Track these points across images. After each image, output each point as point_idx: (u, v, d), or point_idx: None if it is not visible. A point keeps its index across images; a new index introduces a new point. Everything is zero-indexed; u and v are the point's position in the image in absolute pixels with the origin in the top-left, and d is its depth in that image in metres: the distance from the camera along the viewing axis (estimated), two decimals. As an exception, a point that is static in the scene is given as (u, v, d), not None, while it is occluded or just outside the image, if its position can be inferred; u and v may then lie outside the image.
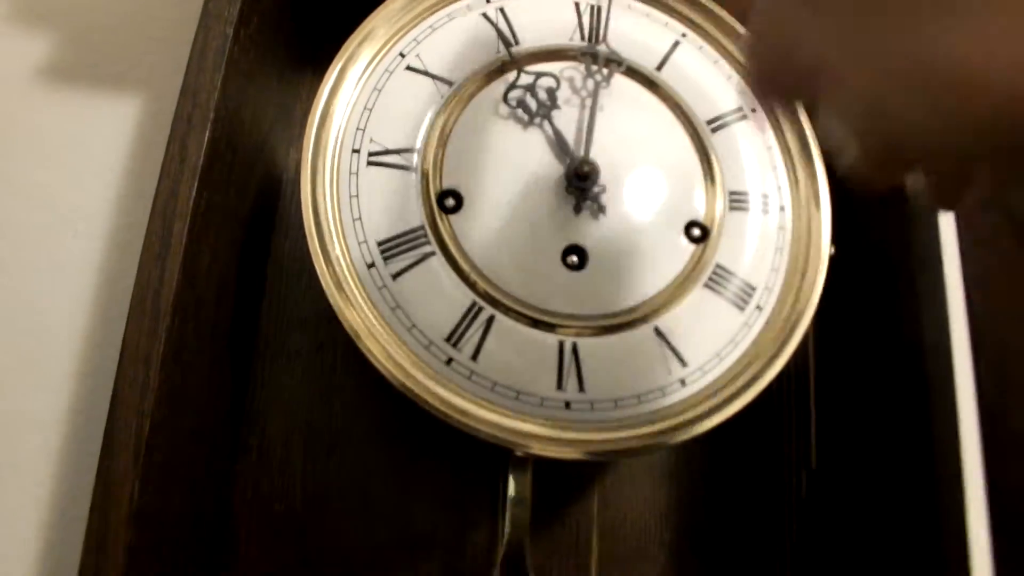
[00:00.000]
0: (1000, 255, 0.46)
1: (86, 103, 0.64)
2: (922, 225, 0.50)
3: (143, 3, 0.69)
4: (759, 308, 0.50)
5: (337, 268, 0.46)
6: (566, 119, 0.52)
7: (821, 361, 0.58)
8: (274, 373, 0.59)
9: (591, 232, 0.50)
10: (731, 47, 0.55)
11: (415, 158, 0.49)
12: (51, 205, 0.64)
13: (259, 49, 0.55)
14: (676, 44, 0.55)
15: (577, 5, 0.55)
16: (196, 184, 0.46)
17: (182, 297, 0.45)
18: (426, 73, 0.51)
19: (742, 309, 0.50)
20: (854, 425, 0.54)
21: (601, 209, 0.50)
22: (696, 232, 0.51)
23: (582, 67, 0.53)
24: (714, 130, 0.54)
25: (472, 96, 0.51)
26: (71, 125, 0.65)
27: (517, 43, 0.53)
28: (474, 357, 0.46)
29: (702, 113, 0.54)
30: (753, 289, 0.51)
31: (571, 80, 0.53)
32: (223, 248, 0.52)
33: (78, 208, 0.63)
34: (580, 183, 0.49)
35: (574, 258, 0.49)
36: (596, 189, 0.50)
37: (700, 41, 0.56)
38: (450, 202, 0.49)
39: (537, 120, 0.51)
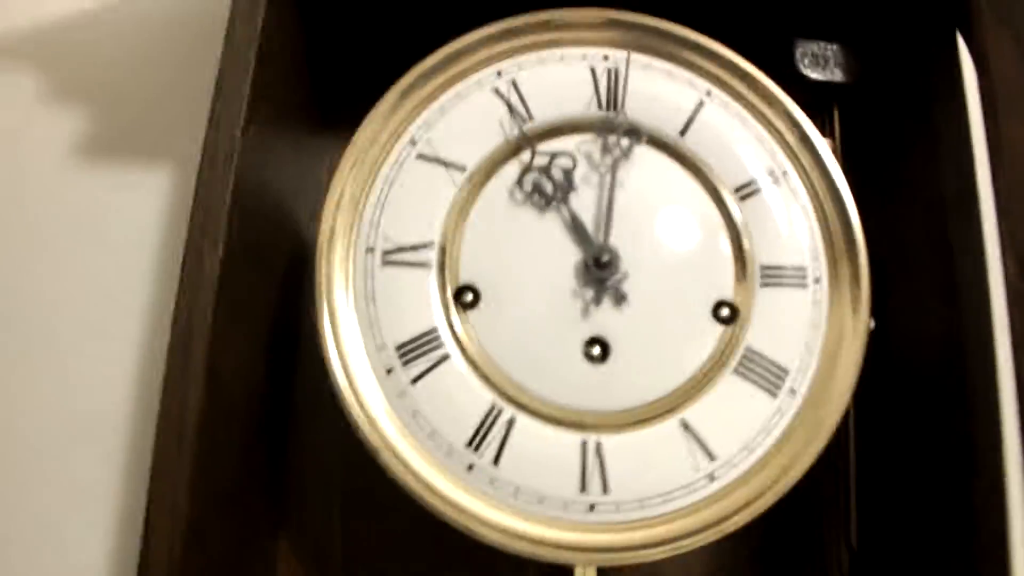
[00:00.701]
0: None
1: (119, 178, 0.65)
2: (972, 305, 0.46)
3: (172, 77, 0.68)
4: (792, 392, 0.48)
5: (356, 380, 0.46)
6: (584, 200, 0.49)
7: (861, 435, 0.55)
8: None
9: (613, 322, 0.48)
10: (760, 104, 0.51)
11: (431, 253, 0.48)
12: (91, 277, 0.65)
13: (273, 135, 0.54)
14: (701, 104, 0.52)
15: (593, 70, 0.52)
16: (214, 299, 0.45)
17: (207, 416, 0.45)
18: (438, 160, 0.49)
19: (774, 395, 0.47)
20: (896, 504, 0.52)
21: (623, 298, 0.47)
22: (725, 312, 0.49)
23: (600, 140, 0.50)
24: (744, 197, 0.50)
25: (487, 181, 0.49)
26: (107, 198, 0.66)
27: (531, 118, 0.50)
28: (495, 461, 0.45)
29: (730, 180, 0.51)
30: (786, 372, 0.48)
31: (589, 155, 0.50)
32: (248, 345, 0.51)
33: (116, 281, 0.64)
34: (599, 273, 0.47)
35: (596, 350, 0.47)
36: (617, 277, 0.48)
37: (726, 98, 0.52)
38: (468, 298, 0.48)
39: (554, 204, 0.49)
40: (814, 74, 0.55)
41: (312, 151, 0.63)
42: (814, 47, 0.55)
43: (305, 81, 0.60)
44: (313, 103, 0.62)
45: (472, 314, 0.48)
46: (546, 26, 0.51)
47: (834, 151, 0.55)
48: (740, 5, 0.55)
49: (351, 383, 0.46)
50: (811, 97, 0.57)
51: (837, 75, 0.55)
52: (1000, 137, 0.45)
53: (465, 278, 0.48)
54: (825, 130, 0.56)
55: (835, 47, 0.55)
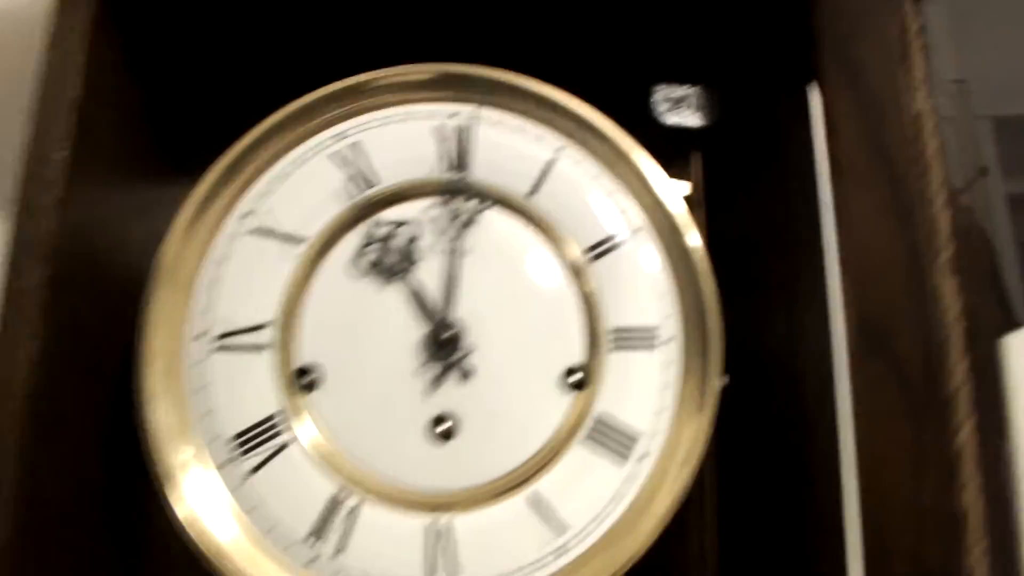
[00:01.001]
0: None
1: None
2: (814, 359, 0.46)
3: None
4: (643, 457, 0.47)
5: (184, 478, 0.44)
6: (429, 271, 0.47)
7: (722, 487, 0.55)
8: None
9: (460, 398, 0.46)
10: (613, 159, 0.50)
11: (268, 335, 0.46)
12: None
13: (104, 192, 0.50)
14: (552, 161, 0.50)
15: (440, 128, 0.49)
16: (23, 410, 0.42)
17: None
18: (274, 234, 0.47)
19: (624, 462, 0.47)
20: (758, 558, 0.53)
21: (469, 373, 0.46)
22: (575, 379, 0.47)
23: (446, 205, 0.48)
24: (595, 258, 0.49)
25: (327, 253, 0.47)
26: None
27: (374, 183, 0.48)
28: (340, 552, 0.44)
29: (582, 240, 0.49)
30: (636, 437, 0.47)
31: (435, 221, 0.48)
32: (72, 448, 0.47)
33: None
34: (442, 351, 0.46)
35: (444, 428, 0.46)
36: (461, 352, 0.46)
37: (579, 154, 0.50)
38: (308, 379, 0.46)
39: (398, 277, 0.47)
40: (671, 119, 0.53)
41: (165, 204, 0.60)
42: (671, 91, 0.54)
43: (145, 133, 0.56)
44: (158, 155, 0.58)
45: (313, 397, 0.46)
46: (389, 84, 0.49)
47: (695, 196, 0.54)
48: (595, 51, 0.53)
49: (176, 483, 0.44)
50: (672, 141, 0.56)
51: (694, 119, 0.53)
52: (844, 206, 0.44)
53: (305, 359, 0.46)
54: (686, 174, 0.55)
55: (693, 90, 0.54)
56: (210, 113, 0.56)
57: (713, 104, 0.54)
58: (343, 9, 0.51)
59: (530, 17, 0.53)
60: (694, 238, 0.49)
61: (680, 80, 0.54)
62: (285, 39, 0.52)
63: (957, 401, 0.40)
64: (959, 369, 0.40)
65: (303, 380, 0.45)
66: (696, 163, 0.55)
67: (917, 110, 0.43)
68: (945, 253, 0.41)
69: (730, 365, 0.49)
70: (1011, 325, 0.61)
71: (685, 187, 0.53)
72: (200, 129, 0.53)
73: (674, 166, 0.56)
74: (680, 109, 0.54)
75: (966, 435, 0.39)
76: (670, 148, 0.56)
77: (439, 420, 0.46)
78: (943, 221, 0.41)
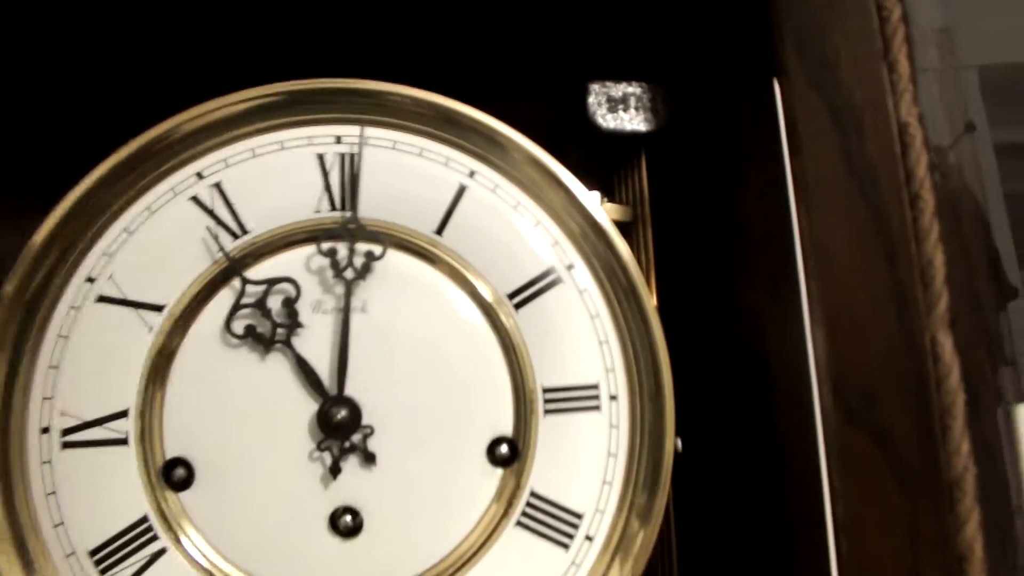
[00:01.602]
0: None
1: None
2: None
3: None
4: (589, 539, 0.40)
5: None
6: (316, 336, 0.38)
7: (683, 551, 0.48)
8: None
9: (363, 486, 0.38)
10: (537, 183, 0.41)
11: (127, 424, 0.38)
12: None
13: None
14: (462, 190, 0.41)
15: (322, 158, 0.40)
16: None
17: None
18: (125, 302, 0.38)
19: (567, 547, 0.39)
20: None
21: (372, 457, 0.38)
22: (503, 451, 0.39)
23: (330, 255, 0.39)
24: (519, 305, 0.40)
25: (192, 322, 0.38)
26: None
27: (243, 232, 0.39)
28: None
29: (502, 284, 0.40)
30: (579, 517, 0.39)
31: (320, 274, 0.39)
32: None
33: None
34: (335, 434, 0.38)
35: (347, 521, 0.38)
36: (361, 433, 0.38)
37: (495, 179, 0.41)
38: (179, 474, 0.38)
39: (277, 346, 0.39)
40: (611, 123, 0.44)
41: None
42: (612, 90, 0.45)
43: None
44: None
45: (186, 496, 0.38)
46: (253, 108, 0.39)
47: (639, 212, 0.45)
48: (524, 49, 0.44)
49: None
50: (615, 148, 0.46)
51: (639, 122, 0.44)
52: (814, 239, 0.35)
53: (173, 450, 0.38)
54: (631, 183, 0.46)
55: (638, 89, 0.45)
56: (44, 149, 0.46)
57: (663, 104, 0.45)
58: (210, 15, 0.42)
59: (446, 15, 0.44)
60: (636, 272, 0.41)
61: (623, 77, 0.45)
62: (134, 54, 0.42)
63: (962, 487, 0.32)
64: (963, 449, 0.32)
65: (173, 476, 0.38)
66: (641, 173, 0.46)
67: (903, 120, 0.34)
68: (942, 302, 0.33)
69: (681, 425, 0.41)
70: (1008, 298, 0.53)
71: (621, 211, 0.45)
72: (31, 170, 0.44)
73: (617, 177, 0.47)
74: (624, 110, 0.44)
75: (972, 530, 0.31)
76: (613, 156, 0.47)
77: (341, 513, 0.38)
78: (938, 260, 0.33)
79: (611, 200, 0.48)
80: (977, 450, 0.32)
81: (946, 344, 0.32)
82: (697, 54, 0.45)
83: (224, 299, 0.38)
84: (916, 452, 0.33)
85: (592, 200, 0.41)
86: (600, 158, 0.48)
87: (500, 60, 0.45)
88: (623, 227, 0.47)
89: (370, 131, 0.40)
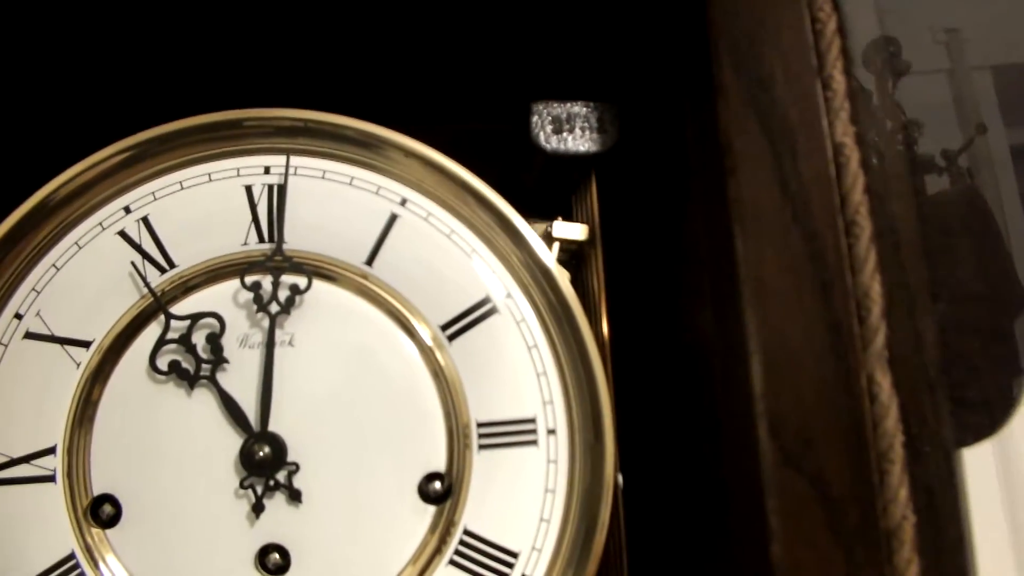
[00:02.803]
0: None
1: None
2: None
3: None
4: (524, 578, 0.38)
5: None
6: (243, 371, 0.37)
7: None
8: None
9: (292, 523, 0.36)
10: (473, 212, 0.38)
11: (54, 461, 0.36)
12: None
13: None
14: (393, 219, 0.38)
15: (249, 189, 0.38)
16: None
17: None
18: (52, 338, 0.37)
19: (501, 587, 0.37)
20: None
21: (298, 494, 0.36)
22: (436, 488, 0.37)
23: (254, 288, 0.38)
24: (452, 337, 0.38)
25: (119, 358, 0.37)
26: None
27: (170, 266, 0.38)
28: None
29: (435, 315, 0.38)
30: (515, 556, 0.37)
31: (247, 308, 0.38)
32: None
33: None
34: (258, 472, 0.36)
35: (275, 559, 0.36)
36: (284, 471, 0.36)
37: (427, 207, 0.39)
38: (107, 511, 0.36)
39: (202, 382, 0.37)
40: (556, 144, 0.42)
41: None
42: (557, 109, 0.42)
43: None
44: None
45: (113, 534, 0.36)
46: (173, 135, 0.38)
47: (592, 228, 0.43)
48: (464, 70, 0.41)
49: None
50: (562, 170, 0.44)
51: (585, 143, 0.42)
52: (751, 268, 0.32)
53: (100, 487, 0.36)
54: (582, 203, 0.44)
55: (584, 108, 0.42)
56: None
57: (611, 124, 0.42)
58: (140, 43, 0.40)
59: (385, 38, 0.42)
60: (575, 304, 0.38)
61: (571, 96, 0.42)
62: (63, 86, 0.41)
63: (900, 537, 0.29)
64: (901, 496, 0.29)
65: (100, 514, 0.36)
66: (592, 194, 0.43)
67: (838, 140, 0.31)
68: (879, 337, 0.30)
69: (630, 459, 0.38)
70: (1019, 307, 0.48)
71: (576, 229, 0.42)
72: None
73: (575, 198, 0.45)
74: (570, 131, 0.42)
75: (911, 582, 0.28)
76: (565, 177, 0.44)
77: (269, 551, 0.36)
78: (875, 292, 0.30)
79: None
80: (917, 498, 0.28)
81: (883, 383, 0.29)
82: (644, 72, 0.42)
83: (151, 335, 0.37)
84: (852, 499, 0.29)
85: (526, 226, 0.38)
86: (554, 180, 0.45)
87: (443, 83, 0.43)
88: (580, 247, 0.45)
89: (299, 160, 0.38)
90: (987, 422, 0.32)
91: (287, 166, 0.37)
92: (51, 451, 0.36)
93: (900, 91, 0.79)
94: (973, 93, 0.79)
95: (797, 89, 0.31)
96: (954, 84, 0.85)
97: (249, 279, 0.37)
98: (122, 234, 0.38)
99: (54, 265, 0.37)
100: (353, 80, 0.42)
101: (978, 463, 0.30)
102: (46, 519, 0.36)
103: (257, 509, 0.36)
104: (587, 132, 0.42)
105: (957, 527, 0.27)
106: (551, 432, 0.38)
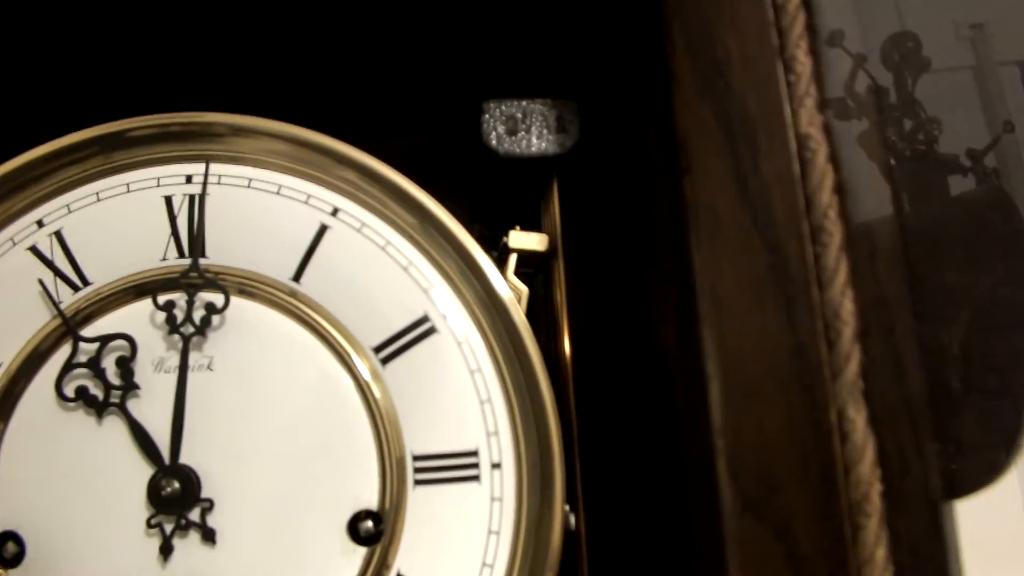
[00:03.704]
0: None
1: None
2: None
3: None
4: (465, 632, 0.33)
5: None
6: (157, 398, 0.33)
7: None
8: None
9: (204, 566, 0.32)
10: (408, 221, 0.34)
11: (-46, 495, 0.34)
12: None
13: None
14: (323, 230, 0.34)
15: (169, 200, 0.35)
16: None
17: None
18: (-44, 362, 0.34)
19: (437, 642, 0.33)
20: None
21: (211, 534, 0.33)
22: (367, 527, 0.33)
23: (183, 301, 0.34)
24: (387, 359, 0.34)
25: (26, 384, 0.33)
26: None
27: (84, 283, 0.34)
28: None
29: (367, 336, 0.34)
30: (454, 605, 0.33)
31: (163, 329, 0.34)
32: None
33: None
34: (167, 508, 0.32)
35: (190, 605, 0.33)
36: (196, 508, 0.33)
37: (362, 216, 0.35)
38: (10, 550, 0.33)
39: (112, 409, 0.34)
40: (509, 145, 0.37)
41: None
42: (511, 108, 0.38)
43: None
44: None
45: (16, 573, 0.33)
46: (94, 147, 0.35)
47: (553, 238, 0.38)
48: (410, 67, 0.37)
49: None
50: (521, 172, 0.39)
51: (543, 144, 0.37)
52: (709, 282, 0.27)
53: (3, 524, 0.32)
54: (546, 206, 0.39)
55: (541, 106, 0.37)
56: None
57: (571, 122, 0.37)
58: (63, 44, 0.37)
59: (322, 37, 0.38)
60: (520, 319, 0.34)
61: (526, 94, 0.38)
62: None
63: (876, 605, 0.24)
64: (878, 556, 0.24)
65: (3, 552, 0.32)
66: (553, 199, 0.39)
67: (803, 131, 0.26)
68: (852, 364, 0.24)
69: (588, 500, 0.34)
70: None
71: (533, 239, 0.38)
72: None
73: (533, 210, 0.40)
74: (526, 131, 0.37)
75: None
76: (524, 182, 0.40)
77: (183, 597, 0.33)
78: (846, 310, 0.25)
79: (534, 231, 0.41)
80: (899, 558, 0.23)
81: (857, 419, 0.23)
82: (603, 65, 0.37)
83: (61, 358, 0.34)
84: (821, 557, 0.24)
85: (470, 241, 0.34)
86: (514, 187, 0.41)
87: (391, 89, 0.39)
88: (542, 258, 0.40)
89: (223, 168, 0.35)
90: (985, 468, 0.26)
91: (206, 174, 0.34)
92: (-47, 485, 0.34)
93: (922, 89, 0.73)
94: (1000, 90, 0.73)
95: (755, 73, 0.26)
96: (979, 81, 0.79)
97: (162, 298, 0.33)
98: (33, 249, 0.34)
99: (-39, 282, 0.35)
100: (293, 89, 0.39)
101: (974, 516, 0.24)
102: (-53, 559, 0.33)
103: (165, 551, 0.32)
104: (545, 132, 0.38)
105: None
106: (496, 466, 0.33)
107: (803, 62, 0.25)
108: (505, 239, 0.38)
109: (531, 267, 0.40)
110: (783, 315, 0.26)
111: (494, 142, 0.38)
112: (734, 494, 0.27)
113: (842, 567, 0.24)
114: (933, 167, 0.65)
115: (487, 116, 0.38)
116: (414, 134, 0.41)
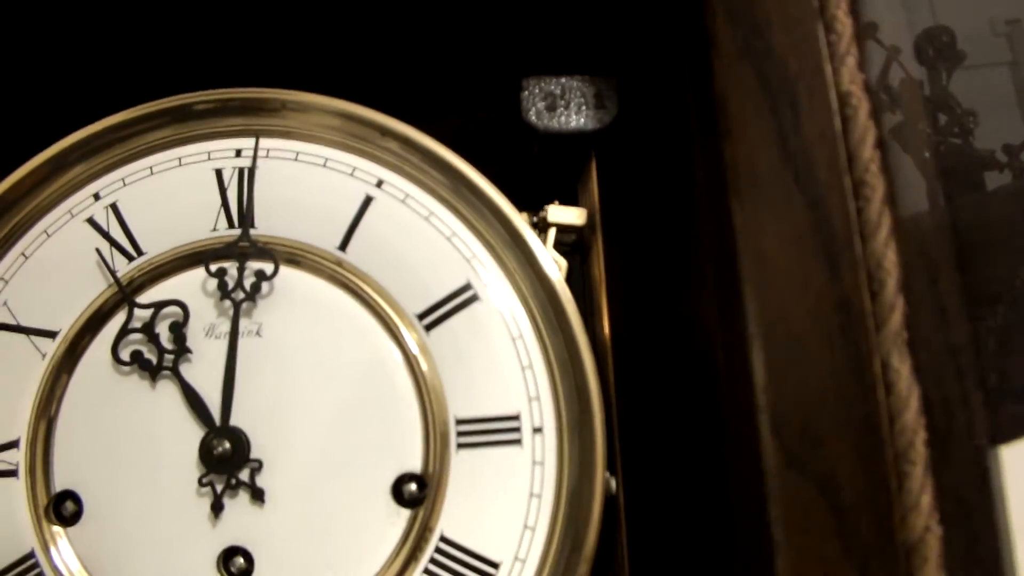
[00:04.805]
0: None
1: None
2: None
3: None
4: (506, 593, 0.33)
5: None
6: (207, 362, 0.34)
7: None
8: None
9: (254, 524, 0.33)
10: (452, 193, 0.35)
11: (15, 455, 0.34)
12: None
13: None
14: (368, 201, 0.35)
15: (219, 173, 0.36)
16: None
17: None
18: (18, 328, 0.35)
19: (479, 602, 0.33)
20: None
21: (260, 493, 0.33)
22: (411, 489, 0.34)
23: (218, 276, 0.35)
24: (430, 326, 0.35)
25: (86, 348, 0.35)
26: None
27: (139, 253, 0.36)
28: None
29: (411, 304, 0.35)
30: (496, 566, 0.33)
31: (214, 296, 0.35)
32: None
33: None
34: (217, 469, 0.33)
35: (239, 562, 0.33)
36: (246, 469, 0.33)
37: (405, 188, 0.36)
38: (68, 508, 0.34)
39: (165, 373, 0.35)
40: (548, 121, 0.38)
41: None
42: (550, 85, 0.38)
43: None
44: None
45: (74, 532, 0.34)
46: (158, 119, 0.36)
47: (592, 213, 0.39)
48: (450, 45, 0.38)
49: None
50: (559, 148, 0.40)
51: (582, 120, 0.38)
52: (749, 240, 0.28)
53: (62, 483, 0.34)
54: (584, 184, 0.40)
55: (579, 82, 0.38)
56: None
57: (610, 98, 0.38)
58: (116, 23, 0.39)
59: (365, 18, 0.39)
60: (563, 290, 0.34)
61: (564, 71, 0.39)
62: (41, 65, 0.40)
63: (922, 553, 0.24)
64: (923, 503, 0.24)
65: (62, 510, 0.34)
66: (591, 175, 0.39)
67: (844, 89, 0.26)
68: (895, 314, 0.25)
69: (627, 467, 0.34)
70: None
71: (572, 214, 0.38)
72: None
73: (570, 188, 0.41)
74: (565, 107, 0.38)
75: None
76: (560, 162, 0.41)
77: (231, 554, 0.34)
78: (890, 261, 0.25)
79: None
80: (943, 505, 0.23)
81: (902, 369, 0.24)
82: (641, 40, 0.38)
83: (117, 324, 0.35)
84: (865, 507, 0.24)
85: (510, 206, 0.34)
86: (554, 164, 0.42)
87: (433, 72, 0.39)
88: (581, 235, 0.41)
89: (272, 143, 0.36)
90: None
91: (256, 148, 0.35)
92: (15, 444, 0.34)
93: (957, 85, 0.72)
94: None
95: (796, 34, 0.27)
96: (1016, 77, 0.79)
97: (214, 266, 0.34)
98: (90, 221, 0.36)
99: (23, 254, 0.36)
100: (336, 64, 0.40)
101: (1020, 463, 0.24)
102: (6, 516, 0.34)
103: (216, 508, 0.33)
104: (584, 108, 0.38)
105: (992, 540, 0.22)
106: (537, 431, 0.34)
107: (844, 22, 0.26)
108: (543, 213, 0.39)
109: (569, 244, 0.41)
110: (826, 269, 0.26)
111: (534, 118, 0.38)
112: (777, 450, 0.27)
113: (887, 516, 0.24)
114: (969, 162, 0.65)
115: (526, 93, 0.39)
116: (453, 116, 0.41)
